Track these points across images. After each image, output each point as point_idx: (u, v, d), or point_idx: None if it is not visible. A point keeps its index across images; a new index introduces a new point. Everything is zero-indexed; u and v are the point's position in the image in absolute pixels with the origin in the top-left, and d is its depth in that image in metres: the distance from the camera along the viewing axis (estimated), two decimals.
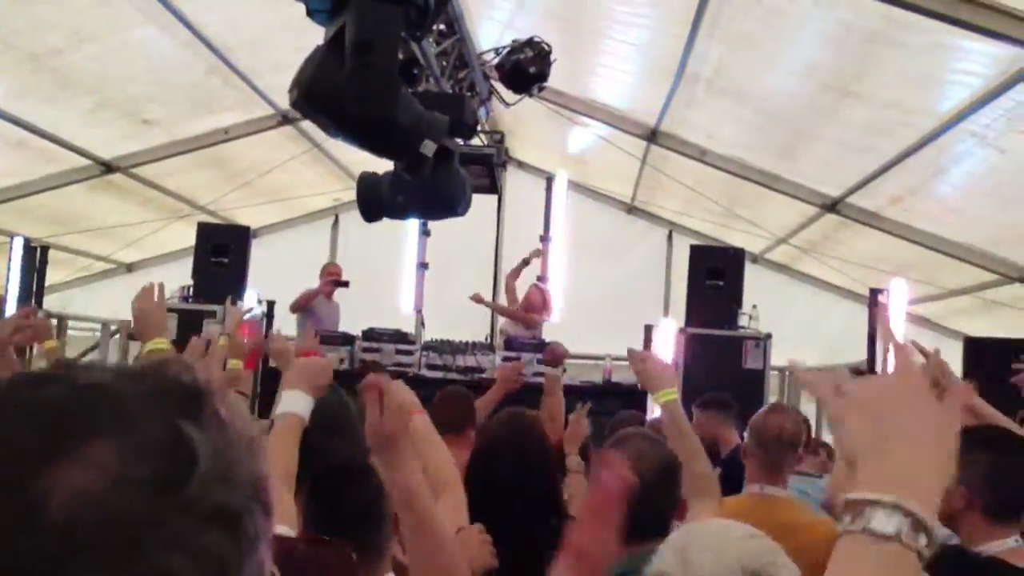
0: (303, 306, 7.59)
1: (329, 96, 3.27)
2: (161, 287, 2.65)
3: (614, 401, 6.68)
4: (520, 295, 7.93)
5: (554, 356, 4.74)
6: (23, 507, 0.54)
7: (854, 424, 0.98)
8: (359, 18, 3.16)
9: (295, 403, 2.24)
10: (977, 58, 4.64)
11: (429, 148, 3.46)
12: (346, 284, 7.75)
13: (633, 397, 6.68)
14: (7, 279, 7.65)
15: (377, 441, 1.70)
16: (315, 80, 3.24)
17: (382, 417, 1.67)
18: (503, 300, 8.30)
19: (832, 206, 7.35)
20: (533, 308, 7.74)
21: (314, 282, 7.80)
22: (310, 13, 3.38)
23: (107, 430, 0.57)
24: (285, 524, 2.07)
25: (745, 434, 3.31)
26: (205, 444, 0.59)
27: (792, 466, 3.17)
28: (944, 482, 0.96)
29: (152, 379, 0.62)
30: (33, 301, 7.45)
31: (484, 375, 6.43)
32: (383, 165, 4.26)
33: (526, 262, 8.20)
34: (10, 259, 7.66)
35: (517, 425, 2.84)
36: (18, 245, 7.71)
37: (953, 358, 5.68)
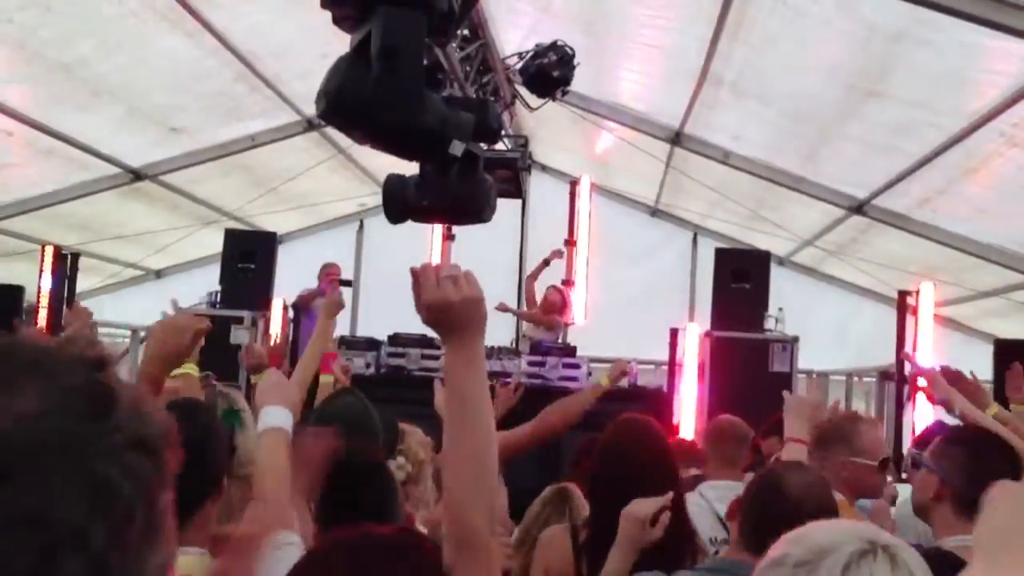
0: (305, 305, 7.63)
1: (356, 105, 3.29)
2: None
3: (639, 405, 6.66)
4: (540, 297, 7.94)
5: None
6: None
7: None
8: (385, 25, 3.18)
9: (277, 418, 2.29)
10: (1004, 57, 4.60)
11: (457, 148, 3.46)
12: (349, 283, 7.77)
13: (657, 400, 6.67)
14: (39, 286, 7.77)
15: (432, 315, 1.58)
16: (342, 91, 3.26)
17: (429, 288, 1.56)
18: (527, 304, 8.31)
19: (859, 208, 7.29)
20: (552, 309, 7.74)
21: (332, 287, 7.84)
22: (336, 20, 3.40)
23: (34, 376, 0.67)
24: (289, 529, 2.09)
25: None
26: (120, 390, 0.70)
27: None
28: None
29: (65, 347, 0.73)
30: (64, 307, 7.55)
31: (509, 380, 6.43)
32: (409, 169, 4.28)
33: (546, 263, 8.20)
34: (41, 266, 7.78)
35: (631, 431, 2.75)
36: (49, 252, 7.84)
37: (983, 360, 5.63)
